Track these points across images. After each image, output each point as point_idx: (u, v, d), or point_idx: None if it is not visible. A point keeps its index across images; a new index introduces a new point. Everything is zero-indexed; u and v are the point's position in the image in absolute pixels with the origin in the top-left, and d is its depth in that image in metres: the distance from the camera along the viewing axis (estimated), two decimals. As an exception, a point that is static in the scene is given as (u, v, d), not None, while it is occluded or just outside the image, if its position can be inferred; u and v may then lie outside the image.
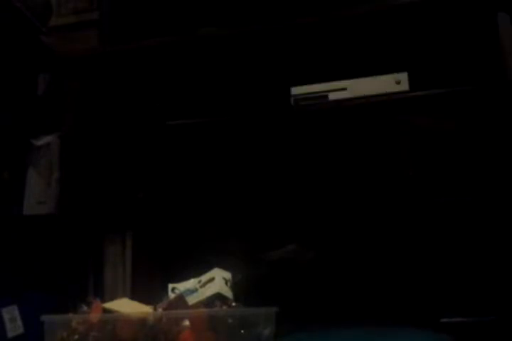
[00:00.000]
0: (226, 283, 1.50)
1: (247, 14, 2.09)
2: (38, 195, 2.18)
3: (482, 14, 1.91)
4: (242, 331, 1.38)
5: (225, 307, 1.44)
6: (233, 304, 1.46)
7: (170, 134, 2.11)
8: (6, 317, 1.94)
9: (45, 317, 1.44)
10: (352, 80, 1.98)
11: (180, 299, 1.46)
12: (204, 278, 1.52)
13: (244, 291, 1.53)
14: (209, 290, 1.47)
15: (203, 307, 1.44)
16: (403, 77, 1.93)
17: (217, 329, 1.38)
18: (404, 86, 1.93)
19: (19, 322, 1.97)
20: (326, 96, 1.99)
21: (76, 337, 1.41)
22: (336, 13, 2.01)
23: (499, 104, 1.85)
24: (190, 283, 1.52)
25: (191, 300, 1.46)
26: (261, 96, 2.04)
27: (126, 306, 1.50)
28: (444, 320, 1.76)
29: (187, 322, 1.39)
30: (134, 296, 1.73)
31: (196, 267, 1.58)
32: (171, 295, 1.52)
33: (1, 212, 2.14)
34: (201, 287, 1.49)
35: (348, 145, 1.99)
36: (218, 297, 1.46)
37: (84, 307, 1.48)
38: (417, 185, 1.90)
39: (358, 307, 1.84)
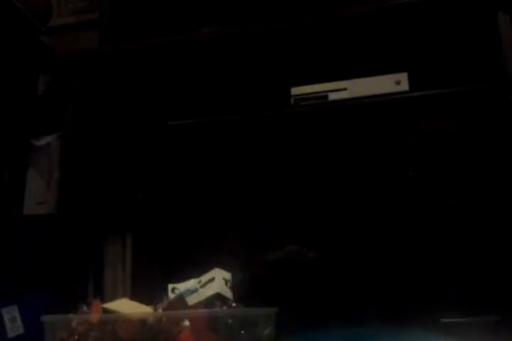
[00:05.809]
0: (226, 283, 1.50)
1: (247, 14, 2.09)
2: (38, 195, 2.18)
3: (482, 14, 1.91)
4: (242, 331, 1.38)
5: (225, 308, 1.44)
6: (233, 304, 1.46)
7: (170, 134, 2.11)
8: (6, 317, 1.95)
9: (45, 317, 1.44)
10: (352, 80, 1.98)
11: (180, 299, 1.46)
12: (204, 278, 1.52)
13: (244, 291, 1.53)
14: (209, 291, 1.47)
15: (203, 307, 1.44)
16: (403, 77, 1.94)
17: (218, 330, 1.38)
18: (404, 86, 1.93)
19: (19, 322, 1.98)
20: (326, 96, 1.99)
21: (76, 337, 1.41)
22: (335, 13, 2.01)
23: (499, 104, 1.85)
24: (190, 284, 1.52)
25: (191, 300, 1.46)
26: (261, 97, 2.04)
27: (126, 306, 1.50)
28: (444, 320, 1.76)
29: (187, 323, 1.39)
30: (134, 296, 1.73)
31: (196, 267, 1.57)
32: (171, 296, 1.52)
33: (1, 212, 2.14)
34: (201, 287, 1.49)
35: (348, 145, 1.99)
36: (218, 297, 1.46)
37: (84, 308, 1.48)
38: (417, 185, 1.90)
39: (359, 308, 1.84)
